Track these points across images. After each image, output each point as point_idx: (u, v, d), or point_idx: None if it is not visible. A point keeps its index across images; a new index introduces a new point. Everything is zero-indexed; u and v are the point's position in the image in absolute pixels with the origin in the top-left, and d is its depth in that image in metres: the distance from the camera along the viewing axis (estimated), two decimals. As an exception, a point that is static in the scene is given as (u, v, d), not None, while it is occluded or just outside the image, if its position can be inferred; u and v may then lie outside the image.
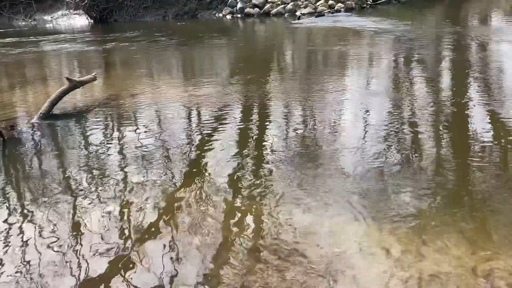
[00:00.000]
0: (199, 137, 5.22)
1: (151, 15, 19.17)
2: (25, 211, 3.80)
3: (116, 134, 5.56)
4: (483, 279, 2.59)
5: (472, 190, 3.60)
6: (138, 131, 5.55)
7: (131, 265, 3.00)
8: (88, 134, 5.57)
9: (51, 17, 22.12)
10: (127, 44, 13.01)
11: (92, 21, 20.15)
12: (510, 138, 4.50)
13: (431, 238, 3.00)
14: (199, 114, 6.09)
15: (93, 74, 7.16)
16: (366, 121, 5.26)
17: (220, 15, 18.24)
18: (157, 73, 9.25)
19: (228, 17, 17.95)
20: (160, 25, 17.40)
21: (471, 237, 2.98)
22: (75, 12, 21.37)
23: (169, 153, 4.77)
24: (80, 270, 2.98)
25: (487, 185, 3.63)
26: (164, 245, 3.17)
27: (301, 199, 3.60)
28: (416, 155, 4.29)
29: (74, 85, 6.69)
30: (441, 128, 4.90)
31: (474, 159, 4.12)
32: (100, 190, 4.03)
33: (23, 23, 22.21)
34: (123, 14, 19.46)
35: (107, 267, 2.99)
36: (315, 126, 5.25)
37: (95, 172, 4.43)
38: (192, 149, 4.85)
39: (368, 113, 5.54)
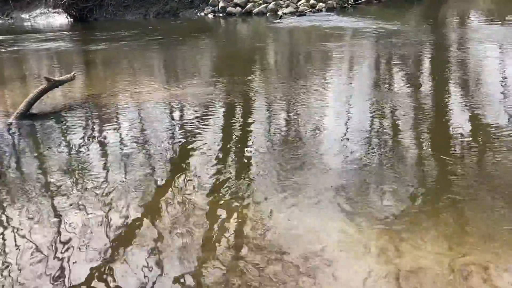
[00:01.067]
0: (181, 136, 5.19)
1: (132, 14, 18.98)
2: (2, 214, 3.73)
3: (96, 134, 5.50)
4: (459, 274, 2.63)
5: (450, 187, 3.65)
6: (119, 130, 5.50)
7: (114, 265, 2.97)
8: (66, 134, 5.50)
9: (29, 16, 21.72)
10: (108, 43, 12.86)
11: (71, 19, 19.86)
12: (488, 136, 4.57)
13: (409, 234, 3.03)
14: (181, 113, 6.06)
15: (72, 73, 7.06)
16: (348, 120, 5.29)
17: (202, 14, 18.15)
18: (139, 73, 9.16)
19: (210, 16, 17.88)
20: (141, 24, 17.25)
21: (448, 233, 3.02)
22: (54, 10, 21.02)
23: (151, 153, 4.74)
24: (61, 273, 2.94)
25: (465, 182, 3.69)
26: (147, 245, 3.14)
27: (282, 197, 3.60)
28: (395, 152, 4.34)
29: (53, 85, 6.59)
30: (421, 126, 4.96)
31: (453, 156, 4.18)
32: (80, 191, 3.98)
33: (0, 21, 21.79)
34: (103, 13, 19.22)
35: (89, 269, 2.96)
36: (297, 125, 5.27)
37: (74, 172, 4.38)
38: (174, 149, 4.82)
39: (350, 112, 5.58)
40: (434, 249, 2.86)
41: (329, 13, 16.28)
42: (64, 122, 5.93)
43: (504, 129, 4.64)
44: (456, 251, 2.83)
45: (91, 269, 2.96)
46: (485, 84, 6.40)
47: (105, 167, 4.47)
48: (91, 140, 5.26)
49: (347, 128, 5.02)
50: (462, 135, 4.63)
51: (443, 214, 3.24)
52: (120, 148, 4.92)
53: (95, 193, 3.93)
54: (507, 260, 2.71)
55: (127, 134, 5.32)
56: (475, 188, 3.56)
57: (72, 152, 4.90)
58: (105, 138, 5.28)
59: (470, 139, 4.54)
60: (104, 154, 4.82)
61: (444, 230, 3.05)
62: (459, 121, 5.04)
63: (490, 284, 2.54)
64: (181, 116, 5.97)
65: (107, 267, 2.96)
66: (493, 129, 4.70)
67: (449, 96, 5.99)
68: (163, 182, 4.06)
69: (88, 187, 4.04)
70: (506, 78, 6.62)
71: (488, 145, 4.35)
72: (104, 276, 2.89)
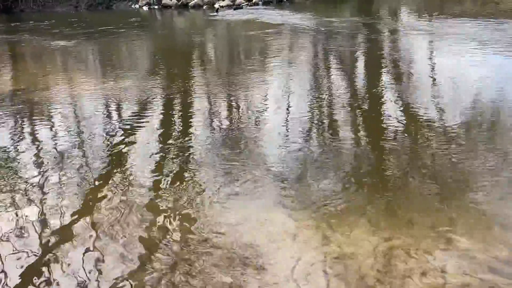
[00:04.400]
0: (118, 131, 5.02)
1: (62, 5, 18.15)
2: None
3: (25, 130, 5.21)
4: (382, 258, 2.71)
5: (382, 175, 3.75)
6: (51, 126, 5.25)
7: (49, 266, 2.83)
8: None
9: None
10: (36, 35, 12.22)
11: (-5, 10, 18.69)
12: (419, 125, 4.73)
13: (337, 222, 3.09)
14: (118, 108, 5.86)
15: (-7, 66, 6.64)
16: (287, 111, 5.35)
17: (137, 6, 17.69)
18: (70, 66, 8.78)
19: (145, 8, 17.45)
20: (72, 16, 16.54)
21: (374, 220, 3.11)
22: (-25, 0, 19.67)
23: (86, 149, 4.55)
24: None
25: (395, 171, 3.80)
26: (84, 247, 3.01)
27: (218, 188, 3.57)
28: (331, 142, 4.42)
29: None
30: (357, 117, 5.09)
31: (386, 145, 4.30)
32: (11, 191, 3.74)
33: None
34: (31, 4, 18.25)
35: (22, 272, 2.80)
36: (237, 117, 5.26)
37: (4, 171, 4.12)
38: (111, 145, 4.65)
39: (288, 104, 5.64)
40: (360, 235, 2.94)
41: (266, 7, 16.36)
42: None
43: (433, 119, 4.84)
44: (380, 237, 2.91)
45: (26, 270, 2.80)
46: (415, 75, 6.67)
47: (38, 164, 4.25)
48: (18, 136, 4.97)
49: (287, 120, 5.05)
50: (394, 125, 4.76)
51: (372, 202, 3.33)
52: (52, 145, 4.68)
53: (27, 191, 3.73)
54: (427, 243, 2.83)
55: (59, 131, 5.09)
56: (405, 177, 3.68)
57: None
58: (34, 134, 5.02)
59: (402, 129, 4.68)
60: (36, 151, 4.58)
61: (371, 217, 3.14)
62: (392, 111, 5.19)
63: (410, 266, 2.64)
64: (118, 111, 5.77)
65: (42, 268, 2.82)
66: (423, 119, 4.87)
67: (382, 87, 6.18)
68: (98, 179, 3.91)
69: (20, 185, 3.82)
70: (434, 68, 6.95)
71: (419, 135, 4.50)
72: (39, 278, 2.74)
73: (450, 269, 2.60)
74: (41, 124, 5.39)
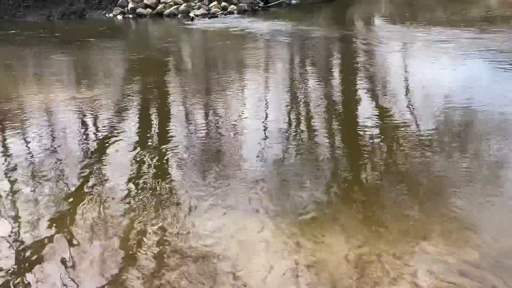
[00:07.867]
0: (92, 142, 4.95)
1: (34, 15, 17.85)
2: None
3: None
4: (353, 264, 2.71)
5: (357, 182, 3.77)
6: (25, 138, 5.13)
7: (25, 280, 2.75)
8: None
9: None
10: (6, 45, 11.97)
11: (-37, 20, 18.27)
12: (396, 133, 4.74)
13: (310, 230, 3.09)
14: (93, 118, 5.74)
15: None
16: (264, 120, 5.33)
17: (111, 15, 17.51)
18: (44, 76, 8.62)
19: (119, 17, 17.30)
20: (44, 25, 16.28)
21: (347, 227, 3.11)
22: None
23: (60, 160, 4.46)
24: None
25: (371, 177, 3.82)
26: (62, 259, 2.95)
27: (195, 199, 3.53)
28: (308, 150, 4.42)
29: None
30: (334, 126, 5.10)
31: (362, 152, 4.33)
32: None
33: None
34: (1, 13, 17.90)
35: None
36: (215, 125, 5.23)
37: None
38: (86, 155, 4.57)
39: (266, 112, 5.63)
40: (332, 242, 2.93)
41: (240, 16, 16.42)
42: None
43: (408, 125, 4.88)
44: (353, 243, 2.91)
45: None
46: (390, 80, 6.76)
47: (10, 177, 4.14)
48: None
49: (264, 128, 5.04)
50: (371, 132, 4.78)
51: (346, 208, 3.33)
52: (27, 156, 4.58)
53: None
54: (398, 248, 2.84)
55: (34, 141, 4.99)
56: (380, 183, 3.70)
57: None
58: (6, 146, 4.91)
59: (382, 137, 4.69)
60: (8, 163, 4.47)
61: (344, 224, 3.14)
62: (368, 118, 5.18)
63: (382, 270, 2.64)
64: (93, 120, 5.66)
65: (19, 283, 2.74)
66: (399, 125, 4.90)
67: (357, 93, 6.23)
68: (74, 191, 3.82)
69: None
70: (408, 74, 7.07)
71: (395, 142, 4.52)
72: None
73: (421, 274, 2.61)
74: (13, 134, 5.25)
